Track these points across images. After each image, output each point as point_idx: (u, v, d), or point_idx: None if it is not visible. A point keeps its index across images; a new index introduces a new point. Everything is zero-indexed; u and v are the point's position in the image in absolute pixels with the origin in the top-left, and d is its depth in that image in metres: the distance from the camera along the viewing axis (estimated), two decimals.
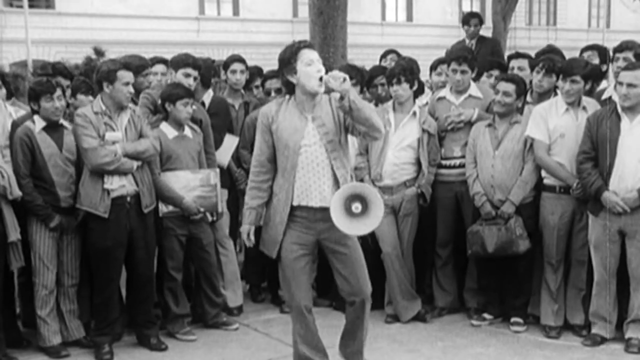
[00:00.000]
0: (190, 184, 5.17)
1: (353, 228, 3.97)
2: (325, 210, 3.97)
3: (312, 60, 3.98)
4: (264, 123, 4.13)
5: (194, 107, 5.27)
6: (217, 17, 26.11)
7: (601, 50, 6.07)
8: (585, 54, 6.08)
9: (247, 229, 4.22)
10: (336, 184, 4.05)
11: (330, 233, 4.07)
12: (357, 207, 3.94)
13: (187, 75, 5.36)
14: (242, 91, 6.28)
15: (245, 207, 4.23)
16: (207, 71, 5.84)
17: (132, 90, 4.89)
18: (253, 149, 5.74)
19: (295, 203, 4.06)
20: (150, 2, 24.33)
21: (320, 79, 3.92)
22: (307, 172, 4.03)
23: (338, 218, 3.91)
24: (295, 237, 4.10)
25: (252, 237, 4.22)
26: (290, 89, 4.10)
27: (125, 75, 4.83)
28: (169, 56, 5.88)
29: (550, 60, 5.46)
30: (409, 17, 29.23)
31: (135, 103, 5.33)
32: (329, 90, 3.93)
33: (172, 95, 5.14)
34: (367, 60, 10.64)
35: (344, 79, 3.81)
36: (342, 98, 3.85)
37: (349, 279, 4.14)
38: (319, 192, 4.04)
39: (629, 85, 4.77)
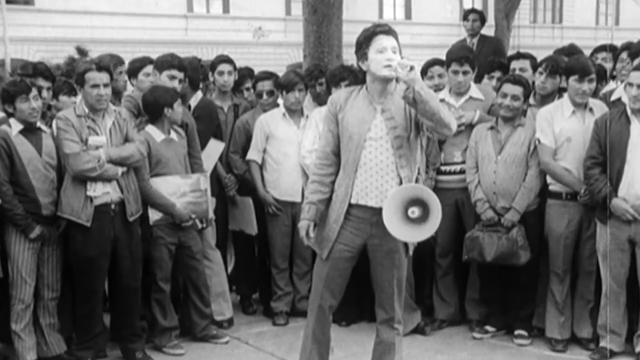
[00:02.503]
0: (180, 190, 5.17)
1: (406, 234, 3.88)
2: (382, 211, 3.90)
3: (385, 47, 3.89)
4: (331, 111, 4.06)
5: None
6: (206, 14, 26.11)
7: (615, 52, 6.07)
8: (599, 55, 6.10)
9: (306, 224, 4.05)
10: (399, 184, 3.96)
11: (381, 240, 3.99)
12: (413, 211, 3.84)
13: (172, 78, 5.34)
14: (232, 93, 6.27)
15: (305, 202, 4.12)
16: (195, 72, 5.84)
17: (103, 92, 4.78)
18: (244, 153, 5.86)
19: (353, 201, 3.98)
20: None
21: (389, 67, 3.83)
22: (370, 169, 3.95)
23: (390, 220, 3.81)
24: (345, 237, 4.04)
25: (312, 234, 4.08)
26: (362, 75, 4.06)
27: (94, 77, 4.78)
28: (155, 56, 5.88)
29: (553, 61, 5.48)
30: (408, 15, 29.30)
31: (113, 103, 5.31)
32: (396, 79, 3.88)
33: (166, 99, 5.14)
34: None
35: (411, 67, 3.74)
36: (407, 88, 3.78)
37: (380, 292, 4.13)
38: (380, 191, 3.95)
39: None
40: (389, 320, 4.17)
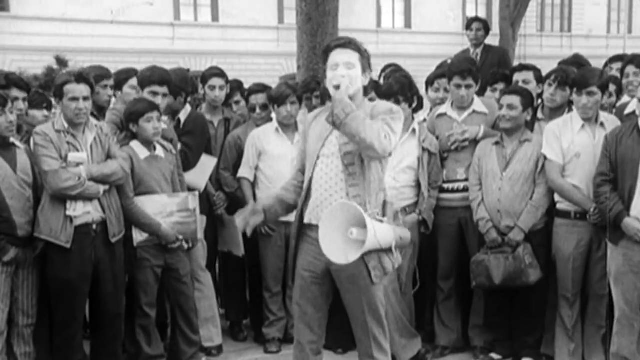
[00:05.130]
0: (167, 209, 5.16)
1: (340, 255, 3.77)
2: None
3: (336, 63, 3.92)
4: (303, 130, 4.23)
5: (163, 123, 5.28)
6: (194, 23, 26.14)
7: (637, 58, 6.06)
8: (614, 66, 6.12)
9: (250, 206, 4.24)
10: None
11: (342, 267, 3.89)
12: (351, 232, 3.76)
13: (154, 94, 5.35)
14: (222, 107, 6.29)
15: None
16: (182, 81, 5.85)
17: (82, 106, 4.78)
18: (236, 170, 5.87)
19: (306, 220, 4.02)
20: (120, 6, 24.25)
21: (338, 87, 3.84)
22: (320, 187, 3.97)
23: (326, 239, 3.75)
24: (306, 262, 4.06)
25: (249, 208, 4.19)
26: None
27: (72, 89, 4.77)
28: (140, 66, 5.90)
29: (562, 72, 5.51)
30: (407, 24, 29.37)
31: (97, 118, 5.33)
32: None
33: (132, 114, 5.12)
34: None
35: (337, 87, 3.79)
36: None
37: (356, 332, 4.10)
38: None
39: None
40: (366, 354, 4.10)
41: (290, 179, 4.28)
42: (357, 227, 3.75)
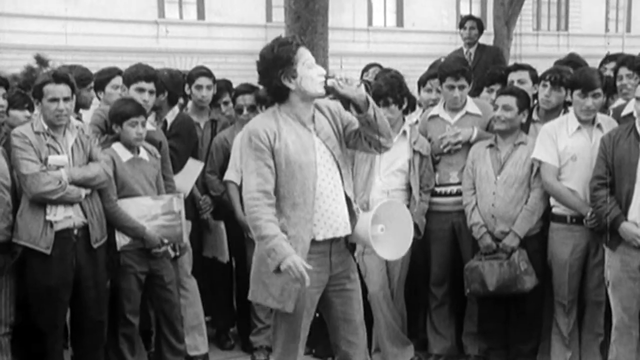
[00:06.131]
0: (151, 212, 5.14)
1: (388, 252, 4.05)
2: (340, 239, 3.96)
3: (312, 61, 3.87)
4: (265, 143, 3.80)
5: (150, 126, 5.27)
6: (179, 21, 26.16)
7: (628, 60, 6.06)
8: (608, 66, 6.13)
9: (297, 260, 3.65)
10: (349, 206, 3.98)
11: (343, 267, 4.01)
12: (382, 227, 3.95)
13: (141, 90, 5.32)
14: (209, 108, 6.29)
15: (272, 242, 3.70)
16: (176, 86, 5.84)
17: (63, 107, 4.74)
18: (222, 173, 5.86)
19: (319, 238, 3.89)
20: (102, 3, 24.23)
21: (325, 83, 3.83)
22: (327, 197, 3.90)
23: (376, 244, 3.95)
24: (313, 279, 3.78)
25: (307, 265, 3.68)
26: (279, 96, 3.91)
27: (52, 90, 4.74)
28: (122, 65, 5.88)
29: (557, 72, 5.52)
30: (400, 22, 29.42)
31: (79, 119, 5.31)
32: (336, 96, 3.91)
33: (117, 115, 5.10)
34: (351, 70, 10.72)
35: (359, 84, 3.79)
36: (356, 107, 3.84)
37: (350, 327, 4.07)
38: (342, 218, 3.94)
39: None
40: (352, 346, 4.10)
41: (260, 201, 3.77)
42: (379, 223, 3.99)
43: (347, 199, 3.98)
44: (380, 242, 3.97)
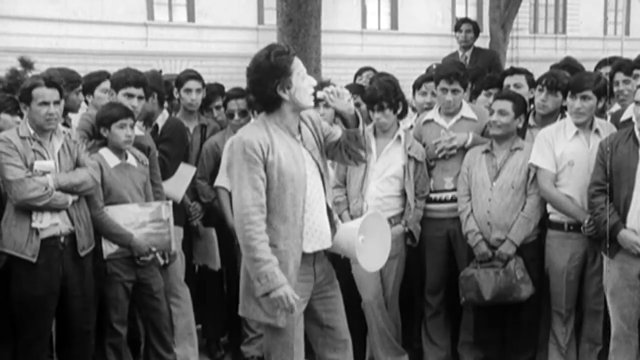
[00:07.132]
0: (139, 219, 5.14)
1: (368, 263, 4.11)
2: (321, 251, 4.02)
3: (305, 72, 3.89)
4: (259, 155, 3.77)
5: (138, 131, 5.26)
6: (168, 23, 26.12)
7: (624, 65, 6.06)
8: (603, 70, 6.14)
9: (289, 292, 3.71)
10: (329, 217, 4.03)
11: (324, 273, 4.07)
12: (362, 239, 3.99)
13: (130, 96, 5.33)
14: (199, 112, 6.29)
15: (265, 267, 3.71)
16: (159, 84, 5.84)
17: (53, 110, 4.75)
18: (213, 179, 5.86)
19: (309, 250, 3.93)
20: (89, 4, 24.17)
21: (314, 95, 3.85)
22: (314, 209, 3.94)
23: (361, 256, 4.02)
24: (300, 291, 3.87)
25: (297, 296, 3.76)
26: (270, 106, 3.89)
27: (42, 94, 4.74)
28: (110, 69, 5.88)
29: (553, 76, 5.52)
30: (394, 25, 29.46)
31: (67, 126, 5.30)
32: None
33: (105, 118, 5.10)
34: (345, 74, 10.74)
35: (350, 99, 3.84)
36: (344, 120, 3.91)
37: (334, 333, 4.10)
38: (321, 231, 3.99)
39: None
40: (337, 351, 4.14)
41: (256, 216, 3.76)
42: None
43: (328, 210, 4.04)
44: (360, 253, 4.02)
